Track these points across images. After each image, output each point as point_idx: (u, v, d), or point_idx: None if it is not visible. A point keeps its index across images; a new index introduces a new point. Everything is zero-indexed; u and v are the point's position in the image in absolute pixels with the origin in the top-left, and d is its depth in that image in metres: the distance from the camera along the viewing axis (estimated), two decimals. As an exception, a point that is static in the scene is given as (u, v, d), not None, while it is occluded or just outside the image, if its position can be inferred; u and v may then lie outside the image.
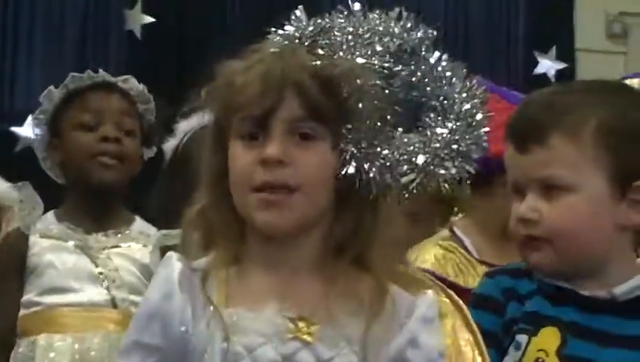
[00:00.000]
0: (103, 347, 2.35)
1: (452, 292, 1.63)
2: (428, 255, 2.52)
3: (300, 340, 1.43)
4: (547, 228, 1.66)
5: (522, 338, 1.66)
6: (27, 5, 5.36)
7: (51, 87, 2.53)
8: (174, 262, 1.49)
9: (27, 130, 4.49)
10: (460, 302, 1.62)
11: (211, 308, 1.44)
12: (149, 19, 5.49)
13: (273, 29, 1.54)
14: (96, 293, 2.41)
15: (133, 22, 5.48)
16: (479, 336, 1.60)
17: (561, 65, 6.00)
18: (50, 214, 2.53)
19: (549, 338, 1.66)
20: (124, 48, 5.48)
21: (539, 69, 6.01)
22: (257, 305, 1.45)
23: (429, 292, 1.52)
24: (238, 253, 1.49)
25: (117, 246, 2.49)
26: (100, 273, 2.43)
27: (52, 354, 2.34)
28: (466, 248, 2.54)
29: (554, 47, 6.01)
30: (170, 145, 2.78)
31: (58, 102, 2.51)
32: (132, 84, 2.57)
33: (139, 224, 2.55)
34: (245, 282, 1.48)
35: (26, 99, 5.11)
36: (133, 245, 2.51)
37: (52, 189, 2.58)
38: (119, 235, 2.51)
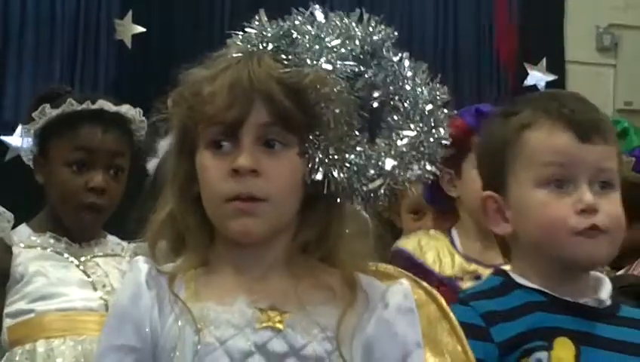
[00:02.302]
0: None
1: (425, 284, 1.63)
2: (412, 240, 2.58)
3: (272, 328, 1.45)
4: (608, 218, 1.71)
5: (543, 355, 1.67)
6: (17, 14, 5.34)
7: (47, 106, 2.46)
8: (141, 265, 1.50)
9: (16, 139, 4.48)
10: (435, 291, 1.62)
11: (179, 303, 1.45)
12: (140, 29, 5.48)
13: (234, 32, 1.52)
14: (89, 298, 2.40)
15: (124, 32, 5.47)
16: (457, 324, 1.60)
17: (551, 77, 6.01)
18: (24, 227, 2.49)
19: (564, 349, 1.68)
20: (115, 58, 5.47)
21: (529, 81, 6.02)
22: (227, 299, 1.46)
23: (404, 281, 1.53)
24: (207, 256, 1.51)
25: (102, 256, 2.48)
26: (91, 280, 2.42)
27: (59, 360, 2.32)
28: (452, 241, 2.59)
29: (544, 59, 6.02)
30: (152, 164, 2.78)
31: (49, 122, 2.45)
32: (128, 109, 2.52)
33: (111, 237, 2.55)
34: (214, 279, 1.50)
35: (14, 109, 5.11)
36: (117, 254, 2.51)
37: (41, 198, 2.55)
38: (99, 245, 2.51)
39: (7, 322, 2.38)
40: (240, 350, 1.43)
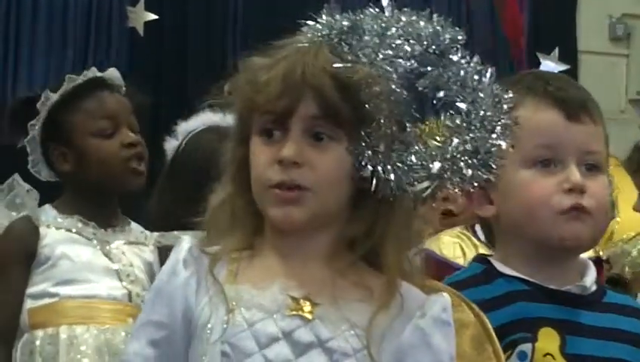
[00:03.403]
0: (127, 340, 2.34)
1: (474, 305, 1.61)
2: (433, 242, 2.56)
3: (300, 317, 1.45)
4: (594, 200, 1.67)
5: (527, 347, 1.64)
6: (29, 3, 5.35)
7: (47, 91, 2.46)
8: (183, 245, 1.54)
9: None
10: (482, 314, 1.60)
11: (216, 283, 1.48)
12: (152, 16, 5.48)
13: (306, 22, 1.52)
14: (113, 287, 2.40)
15: (136, 19, 5.47)
16: (499, 348, 1.58)
17: (564, 67, 5.98)
18: (49, 207, 2.48)
19: (549, 340, 1.65)
20: (127, 45, 5.48)
21: (541, 71, 6.01)
22: (263, 283, 1.48)
23: (445, 294, 1.52)
24: (254, 240, 1.53)
25: (128, 243, 2.49)
26: (116, 268, 2.42)
27: (82, 348, 2.32)
28: (475, 233, 2.59)
29: (556, 49, 6.01)
30: (170, 145, 2.79)
31: (56, 105, 2.45)
32: (112, 74, 2.55)
33: (135, 225, 2.55)
34: (256, 263, 1.51)
35: (28, 96, 5.12)
36: (141, 242, 2.51)
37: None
38: (124, 233, 2.51)
39: (29, 303, 2.38)
40: (267, 334, 1.44)
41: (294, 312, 1.46)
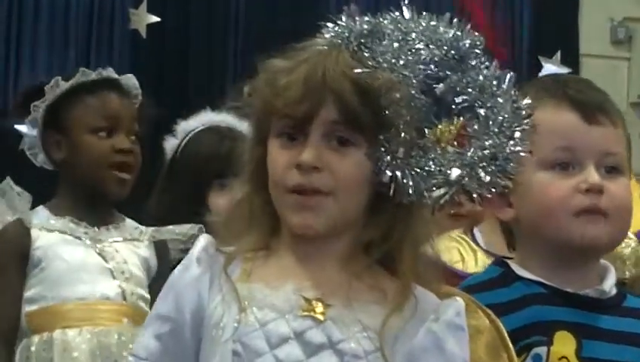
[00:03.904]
0: (121, 341, 2.34)
1: (490, 311, 1.61)
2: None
3: (312, 318, 1.46)
4: (612, 201, 1.66)
5: (542, 350, 1.64)
6: (31, 4, 5.35)
7: (59, 78, 2.50)
8: (200, 242, 1.54)
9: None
10: (498, 320, 1.60)
11: (229, 282, 1.48)
12: (154, 18, 5.48)
13: (325, 24, 1.52)
14: (107, 287, 2.40)
15: (138, 21, 5.47)
16: (514, 355, 1.58)
17: (566, 70, 5.98)
18: (42, 209, 2.49)
19: (564, 343, 1.65)
20: (129, 47, 5.48)
21: (543, 74, 6.01)
22: (277, 283, 1.48)
23: (459, 298, 1.52)
24: (270, 241, 1.53)
25: (121, 240, 2.49)
26: (110, 266, 2.42)
27: (75, 354, 2.32)
28: (474, 238, 2.58)
29: (558, 52, 6.01)
30: (170, 144, 2.79)
31: (63, 94, 2.47)
32: (128, 79, 2.57)
33: (129, 220, 2.56)
34: (271, 262, 1.52)
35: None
36: (135, 238, 2.51)
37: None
38: (118, 230, 2.51)
39: (26, 307, 2.39)
40: (278, 334, 1.44)
41: (306, 313, 1.46)
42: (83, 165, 2.47)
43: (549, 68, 5.96)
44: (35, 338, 2.36)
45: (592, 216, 1.66)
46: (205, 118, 2.78)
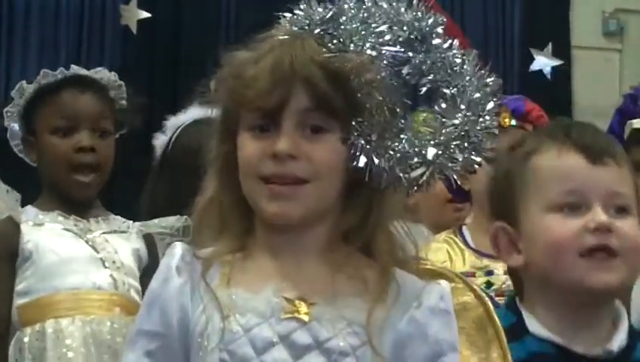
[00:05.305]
0: (114, 329, 2.35)
1: (476, 286, 1.61)
2: (424, 249, 2.55)
3: (296, 319, 1.44)
4: (623, 241, 1.63)
5: None
6: (21, 2, 5.34)
7: (23, 82, 2.50)
8: (175, 251, 1.52)
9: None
10: (484, 295, 1.60)
11: (209, 290, 1.46)
12: (145, 14, 5.47)
13: (283, 14, 1.52)
14: (99, 276, 2.40)
15: (129, 17, 5.46)
16: (500, 329, 1.58)
17: (557, 62, 5.99)
18: (30, 207, 2.51)
19: None
20: (120, 43, 5.47)
21: (535, 66, 6.00)
22: (257, 287, 1.46)
23: (442, 282, 1.51)
24: (245, 240, 1.51)
25: (110, 232, 2.49)
26: (100, 256, 2.42)
27: (68, 341, 2.32)
28: (464, 238, 2.58)
29: (550, 45, 6.00)
30: (160, 141, 2.79)
31: (29, 98, 2.47)
32: (103, 74, 2.55)
33: (116, 216, 2.56)
34: (249, 265, 1.49)
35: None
36: (124, 230, 2.52)
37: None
38: (106, 222, 2.51)
39: (18, 300, 2.39)
40: (263, 339, 1.43)
41: (289, 314, 1.45)
42: (48, 166, 2.49)
43: (541, 60, 5.96)
44: (28, 330, 2.35)
45: (602, 257, 1.62)
46: (194, 113, 2.78)
